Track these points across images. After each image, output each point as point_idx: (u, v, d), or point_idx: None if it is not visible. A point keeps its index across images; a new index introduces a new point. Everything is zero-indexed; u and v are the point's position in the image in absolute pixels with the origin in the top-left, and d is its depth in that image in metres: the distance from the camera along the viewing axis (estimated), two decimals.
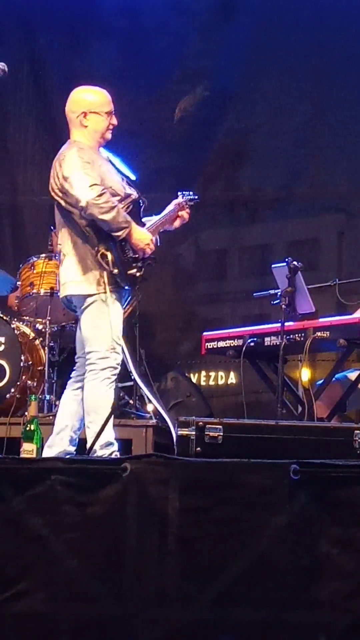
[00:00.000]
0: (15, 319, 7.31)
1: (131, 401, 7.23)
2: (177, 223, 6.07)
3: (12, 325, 7.12)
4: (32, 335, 7.13)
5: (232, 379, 8.18)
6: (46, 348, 7.18)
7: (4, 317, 7.14)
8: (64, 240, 5.67)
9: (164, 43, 8.85)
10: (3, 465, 3.93)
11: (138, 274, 5.66)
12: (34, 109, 8.69)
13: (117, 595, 3.69)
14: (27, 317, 7.42)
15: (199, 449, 4.49)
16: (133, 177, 6.31)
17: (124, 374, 7.67)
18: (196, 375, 8.41)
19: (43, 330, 7.10)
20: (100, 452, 5.40)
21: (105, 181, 5.59)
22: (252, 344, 6.23)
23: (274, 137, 8.74)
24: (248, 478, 3.77)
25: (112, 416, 5.43)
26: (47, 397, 7.05)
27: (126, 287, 5.67)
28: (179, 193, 6.09)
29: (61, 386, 7.54)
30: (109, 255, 5.51)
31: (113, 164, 5.89)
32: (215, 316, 8.77)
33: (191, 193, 6.13)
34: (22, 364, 6.89)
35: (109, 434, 5.47)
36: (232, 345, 6.36)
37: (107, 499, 3.74)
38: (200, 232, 9.01)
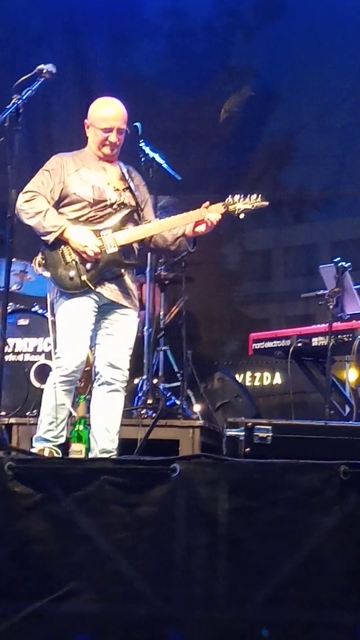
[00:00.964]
0: None
1: (178, 402, 7.22)
2: (201, 228, 5.76)
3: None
4: None
5: (278, 379, 8.16)
6: (93, 348, 7.19)
7: (52, 318, 7.17)
8: None
9: (209, 43, 8.86)
10: (53, 466, 3.95)
11: (82, 277, 5.63)
12: (79, 111, 8.69)
13: (166, 595, 3.69)
14: None
15: (247, 449, 4.49)
16: (178, 178, 6.31)
17: (170, 375, 7.70)
18: (241, 375, 8.39)
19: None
20: (33, 444, 5.52)
21: (67, 187, 5.69)
22: (299, 344, 6.21)
23: (320, 137, 8.71)
24: (297, 479, 3.76)
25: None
26: None
27: (69, 292, 5.65)
28: (230, 195, 5.80)
29: None
30: (37, 259, 5.65)
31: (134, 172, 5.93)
32: (260, 317, 8.75)
33: (248, 196, 5.75)
34: None
35: (47, 431, 5.51)
36: (279, 345, 6.35)
37: (156, 499, 3.74)
38: (245, 232, 9.00)
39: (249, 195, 5.75)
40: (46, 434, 5.52)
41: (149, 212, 5.95)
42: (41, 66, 5.38)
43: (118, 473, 3.81)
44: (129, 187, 5.84)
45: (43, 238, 5.64)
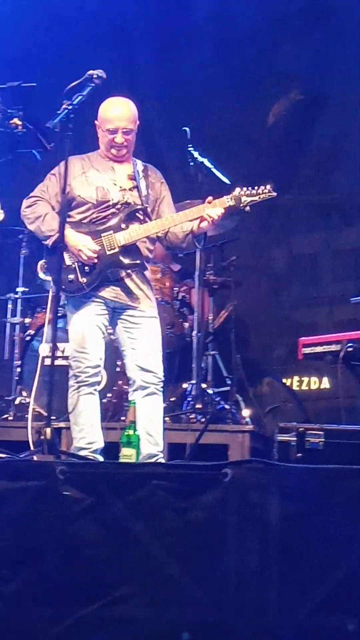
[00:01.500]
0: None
1: (227, 406, 7.21)
2: (204, 224, 5.69)
3: (108, 330, 7.16)
4: None
5: (326, 383, 8.12)
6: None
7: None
8: None
9: (257, 48, 8.83)
10: (104, 470, 3.95)
11: (81, 280, 5.66)
12: None
13: (218, 601, 3.68)
14: None
15: (299, 454, 4.48)
16: (227, 182, 6.28)
17: (219, 380, 7.70)
18: (289, 380, 8.36)
19: None
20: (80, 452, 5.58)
21: (73, 190, 5.70)
22: (350, 349, 6.17)
23: None
24: (350, 484, 3.73)
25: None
26: None
27: (70, 295, 5.71)
28: (237, 187, 5.74)
29: None
30: (40, 264, 5.80)
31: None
32: (309, 321, 8.71)
33: (255, 188, 5.71)
34: (117, 369, 6.90)
35: (80, 439, 5.61)
36: (329, 350, 6.30)
37: (208, 504, 3.73)
38: (293, 236, 8.98)
39: (255, 187, 5.71)
40: (79, 442, 5.60)
41: (165, 209, 5.89)
42: (91, 71, 5.40)
43: (169, 478, 3.80)
44: (136, 186, 5.83)
45: (44, 242, 5.72)
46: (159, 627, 3.69)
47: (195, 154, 6.61)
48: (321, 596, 3.66)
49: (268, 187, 5.72)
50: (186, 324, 7.69)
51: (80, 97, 5.34)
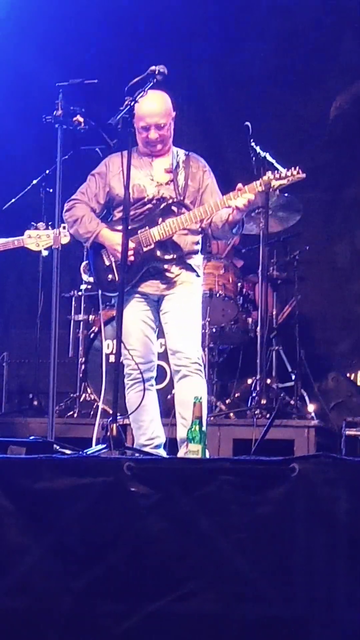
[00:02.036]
0: None
1: (292, 401, 7.19)
2: (234, 213, 5.64)
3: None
4: None
5: None
6: (206, 349, 7.20)
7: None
8: None
9: (318, 41, 8.79)
10: (171, 466, 3.94)
11: (116, 279, 5.68)
12: (187, 113, 8.72)
13: (287, 596, 3.65)
14: None
15: None
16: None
17: (284, 375, 7.67)
18: (354, 374, 8.31)
19: (203, 331, 7.12)
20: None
21: (112, 190, 5.75)
22: None
23: None
24: None
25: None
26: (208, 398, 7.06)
27: (110, 295, 5.82)
28: (267, 172, 5.75)
29: (222, 387, 7.59)
30: (82, 265, 5.79)
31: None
32: None
33: (282, 171, 5.69)
34: None
35: (140, 436, 5.72)
36: None
37: (276, 499, 3.70)
38: (356, 230, 8.92)
39: (284, 171, 5.68)
40: (140, 439, 5.69)
41: (208, 198, 5.82)
42: (153, 67, 5.40)
43: (236, 473, 3.77)
44: (172, 180, 5.80)
45: (84, 245, 5.85)
46: (227, 623, 3.66)
47: (257, 149, 6.59)
48: None
49: (297, 169, 5.67)
50: (250, 320, 7.69)
51: (142, 93, 5.34)
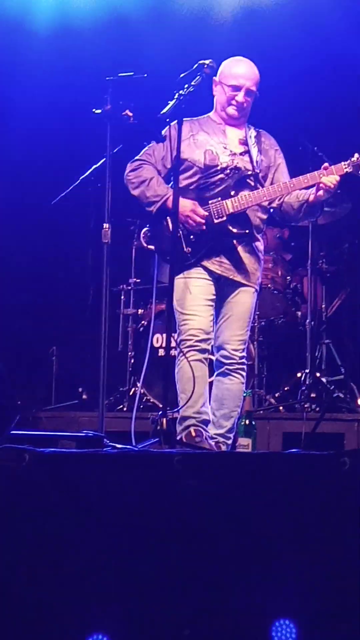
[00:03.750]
0: None
1: (341, 395, 7.16)
2: (320, 192, 5.53)
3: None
4: None
5: None
6: (255, 343, 7.19)
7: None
8: None
9: None
10: (221, 460, 3.95)
11: (185, 249, 5.48)
12: None
13: (337, 588, 3.64)
14: None
15: None
16: None
17: (334, 368, 7.64)
18: None
19: (252, 325, 7.10)
20: (178, 428, 5.42)
21: (182, 154, 5.44)
22: None
23: None
24: None
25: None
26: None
27: (182, 264, 5.47)
28: (353, 155, 5.58)
29: (271, 381, 7.57)
30: (143, 232, 5.50)
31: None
32: None
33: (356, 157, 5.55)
34: None
35: (187, 408, 5.44)
36: None
37: (326, 493, 3.69)
38: None
39: None
40: (186, 410, 5.43)
41: (280, 177, 5.70)
42: (202, 61, 5.39)
43: (286, 467, 3.77)
44: (247, 152, 5.66)
45: (147, 209, 5.54)
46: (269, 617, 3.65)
47: (305, 141, 6.56)
48: None
49: None
50: (299, 313, 7.67)
51: (191, 87, 5.34)
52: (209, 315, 5.55)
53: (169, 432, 4.93)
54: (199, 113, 5.79)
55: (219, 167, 5.59)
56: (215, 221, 5.52)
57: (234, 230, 5.55)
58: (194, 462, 3.82)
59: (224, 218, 5.53)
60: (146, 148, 5.64)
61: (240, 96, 5.63)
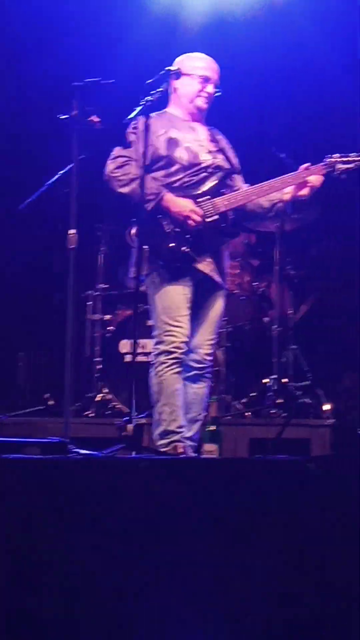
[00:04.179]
0: None
1: (308, 401, 7.18)
2: (304, 191, 5.55)
3: None
4: None
5: None
6: (222, 348, 7.19)
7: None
8: None
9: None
10: (187, 466, 3.95)
11: (183, 248, 5.39)
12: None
13: (304, 596, 3.65)
14: None
15: None
16: None
17: (300, 374, 7.66)
18: None
19: (219, 330, 7.11)
20: (159, 442, 5.36)
21: (158, 151, 5.44)
22: None
23: None
24: None
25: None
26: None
27: (177, 264, 5.40)
28: (325, 157, 5.60)
29: (238, 386, 7.57)
30: (132, 231, 5.39)
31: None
32: None
33: (350, 155, 5.58)
34: None
35: (171, 422, 5.37)
36: None
37: (290, 499, 3.70)
38: None
39: (349, 155, 5.53)
40: (170, 425, 5.38)
41: (239, 179, 5.71)
42: (169, 67, 5.41)
43: (251, 473, 3.78)
44: (221, 149, 5.62)
45: (145, 206, 5.36)
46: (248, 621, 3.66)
47: (273, 149, 6.59)
48: None
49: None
50: (266, 319, 7.68)
51: (157, 93, 5.34)
52: (187, 325, 5.51)
53: (134, 438, 4.92)
54: None
55: (202, 165, 5.55)
56: (208, 220, 5.47)
57: (227, 230, 5.54)
58: (160, 468, 3.82)
59: (217, 217, 5.48)
60: (120, 149, 5.54)
61: (209, 88, 5.61)
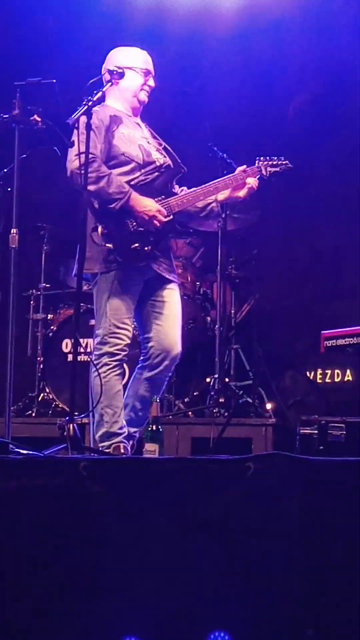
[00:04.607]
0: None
1: (250, 400, 7.22)
2: (242, 192, 5.64)
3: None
4: None
5: (349, 375, 8.10)
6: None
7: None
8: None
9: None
10: (127, 466, 3.95)
11: (146, 248, 5.41)
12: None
13: (243, 595, 3.67)
14: None
15: (321, 447, 4.46)
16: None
17: (242, 373, 7.70)
18: (312, 372, 8.35)
19: None
20: (100, 443, 5.38)
21: (115, 148, 5.42)
22: None
23: None
24: None
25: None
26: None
27: (139, 264, 5.42)
28: (256, 159, 5.76)
29: (180, 386, 7.60)
30: (99, 229, 5.29)
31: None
32: (331, 314, 8.70)
33: (274, 158, 5.74)
34: None
35: (113, 424, 5.40)
36: (351, 342, 6.30)
37: (231, 498, 3.72)
38: (314, 229, 8.95)
39: (274, 158, 5.70)
40: (113, 427, 5.40)
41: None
42: (111, 67, 5.41)
43: (192, 472, 3.79)
44: (164, 148, 5.64)
45: (108, 206, 5.35)
46: (185, 622, 3.67)
47: (215, 149, 6.61)
48: (345, 590, 3.64)
49: (284, 159, 5.72)
50: (208, 319, 7.71)
51: (99, 93, 5.33)
52: (131, 327, 5.56)
53: (76, 437, 4.91)
54: None
55: (156, 164, 5.56)
56: (165, 220, 5.47)
57: (180, 229, 5.65)
58: (100, 467, 3.82)
59: (171, 217, 5.50)
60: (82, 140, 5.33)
61: (151, 81, 5.64)
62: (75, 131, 5.28)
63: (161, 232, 5.49)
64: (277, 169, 5.69)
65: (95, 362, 5.46)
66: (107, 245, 5.32)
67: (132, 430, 5.56)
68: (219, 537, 3.70)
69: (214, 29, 8.71)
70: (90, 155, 5.30)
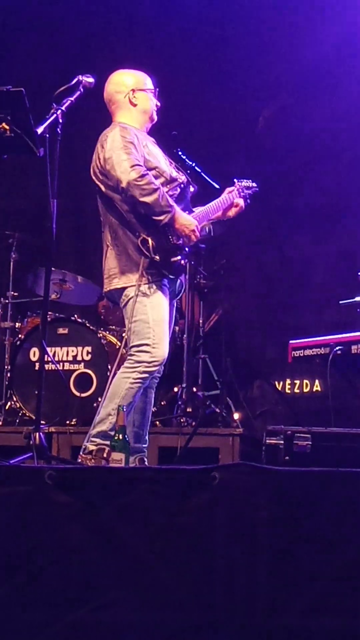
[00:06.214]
0: (102, 328, 7.37)
1: (217, 410, 7.22)
2: (232, 212, 5.89)
3: (99, 335, 7.18)
4: (119, 344, 7.19)
5: (317, 386, 8.15)
6: None
7: (91, 327, 7.20)
8: (105, 231, 5.54)
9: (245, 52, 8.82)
10: (93, 475, 3.94)
11: (183, 262, 5.50)
12: None
13: (207, 604, 3.67)
14: (114, 327, 7.48)
15: (287, 457, 4.47)
16: (217, 186, 6.32)
17: (210, 383, 7.71)
18: (280, 382, 8.39)
19: None
20: (92, 438, 5.40)
21: (149, 162, 5.48)
22: (338, 352, 6.19)
23: None
24: (338, 488, 3.73)
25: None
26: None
27: (171, 277, 5.48)
28: (234, 180, 6.00)
29: None
30: (150, 241, 5.32)
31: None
32: (299, 323, 8.74)
33: (249, 181, 6.02)
34: (109, 373, 6.89)
35: (105, 424, 5.40)
36: (319, 353, 6.34)
37: (196, 508, 3.72)
38: (283, 238, 8.99)
39: (248, 181, 6.00)
40: (108, 426, 5.39)
41: None
42: (80, 76, 5.41)
43: (158, 482, 3.79)
44: (176, 166, 5.77)
45: (157, 218, 5.38)
46: (148, 631, 3.67)
47: (184, 158, 6.62)
48: (310, 598, 3.66)
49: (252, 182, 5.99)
50: (177, 328, 7.71)
51: (69, 102, 5.34)
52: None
53: (42, 446, 4.90)
54: (76, 128, 5.78)
55: (179, 181, 5.65)
56: (199, 235, 5.63)
57: (200, 246, 5.88)
58: (66, 477, 3.81)
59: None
60: (132, 151, 5.45)
61: (157, 101, 5.76)
62: (122, 143, 5.37)
63: (192, 247, 5.64)
64: (250, 192, 5.97)
65: (130, 366, 5.42)
66: (155, 257, 5.34)
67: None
68: (185, 546, 3.70)
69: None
70: (142, 167, 5.37)
